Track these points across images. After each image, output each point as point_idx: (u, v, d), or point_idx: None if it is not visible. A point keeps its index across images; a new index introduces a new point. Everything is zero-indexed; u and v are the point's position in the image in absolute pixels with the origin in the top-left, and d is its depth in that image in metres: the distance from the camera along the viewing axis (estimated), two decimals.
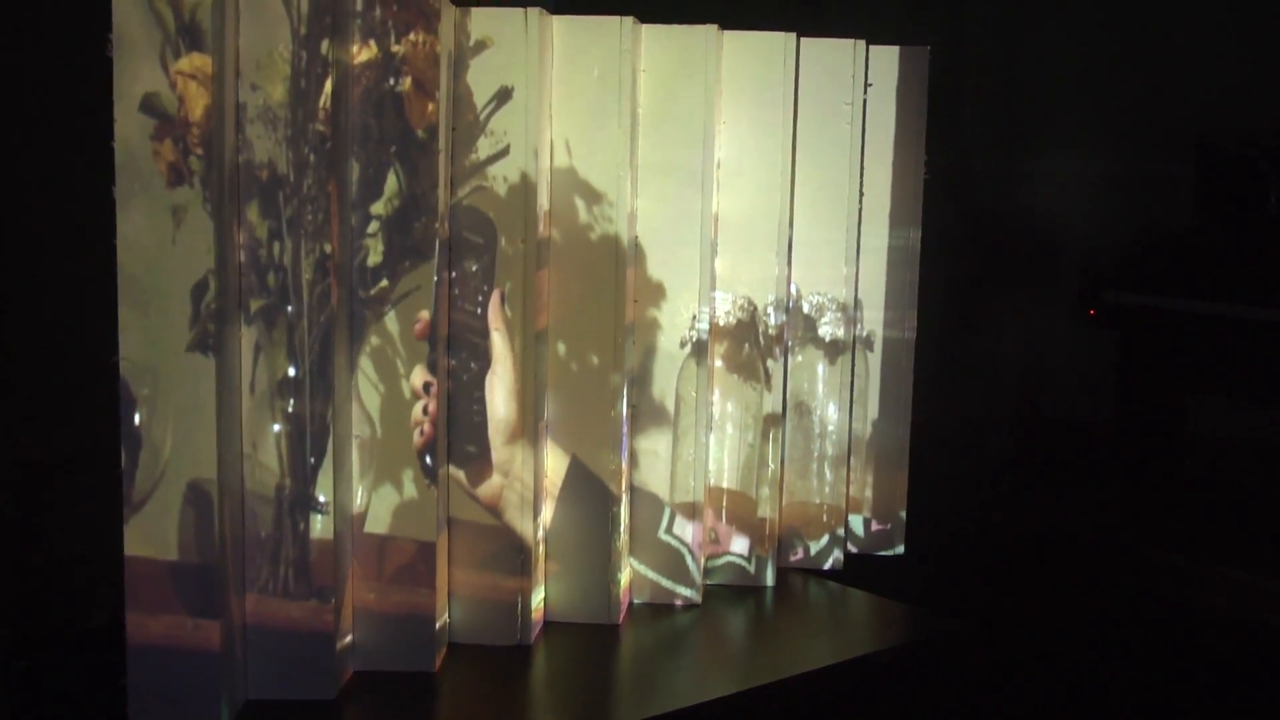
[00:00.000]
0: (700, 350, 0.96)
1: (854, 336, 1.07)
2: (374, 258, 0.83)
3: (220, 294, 0.75)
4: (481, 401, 0.88)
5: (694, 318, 0.96)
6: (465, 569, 0.89)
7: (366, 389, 0.84)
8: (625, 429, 0.94)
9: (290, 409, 0.79)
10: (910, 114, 1.06)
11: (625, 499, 0.96)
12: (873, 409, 1.08)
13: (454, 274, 0.87)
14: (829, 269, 1.04)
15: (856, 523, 1.09)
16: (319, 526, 0.80)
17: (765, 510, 1.02)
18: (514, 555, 0.89)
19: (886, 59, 1.05)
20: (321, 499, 0.80)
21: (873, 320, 1.07)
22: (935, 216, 1.09)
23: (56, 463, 0.92)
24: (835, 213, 1.03)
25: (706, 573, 1.02)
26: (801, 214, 1.03)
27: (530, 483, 0.89)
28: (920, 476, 1.10)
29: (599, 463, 0.93)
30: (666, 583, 0.98)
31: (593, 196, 0.91)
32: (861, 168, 1.05)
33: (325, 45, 0.77)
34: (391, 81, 0.82)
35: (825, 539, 1.06)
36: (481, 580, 0.90)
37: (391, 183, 0.82)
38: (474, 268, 0.87)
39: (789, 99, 0.99)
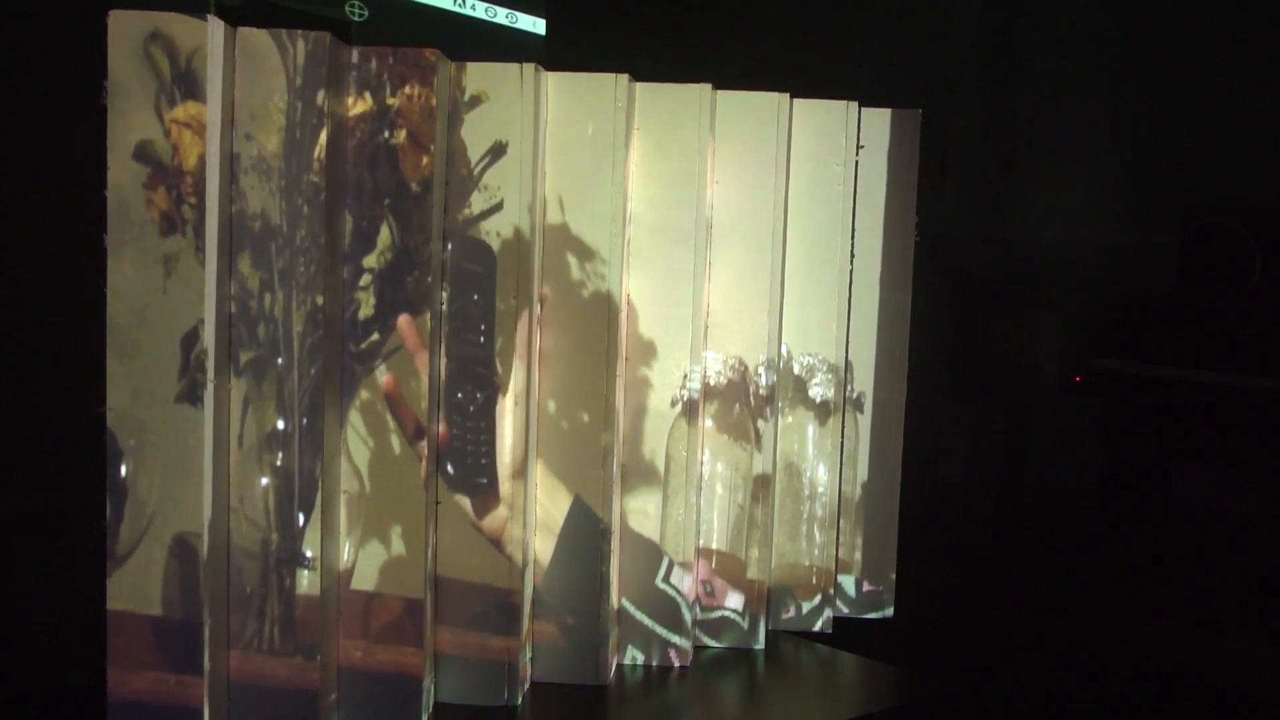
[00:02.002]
0: (691, 410, 0.96)
1: (844, 398, 1.06)
2: (365, 310, 0.82)
3: (211, 345, 0.74)
4: (490, 431, 0.87)
5: (685, 376, 0.96)
6: (452, 628, 0.88)
7: (355, 444, 0.83)
8: (616, 488, 0.93)
9: (279, 462, 0.78)
10: (901, 176, 1.06)
11: (614, 558, 0.95)
12: (862, 471, 1.08)
13: (455, 306, 0.86)
14: (820, 330, 1.04)
15: (848, 583, 1.08)
16: (305, 583, 0.79)
17: (755, 571, 1.01)
18: (500, 615, 0.88)
19: (879, 121, 1.06)
20: (309, 554, 0.78)
21: (863, 382, 1.07)
22: (923, 280, 1.09)
23: (35, 517, 0.90)
24: (826, 274, 1.03)
25: (702, 626, 1.01)
26: (793, 275, 1.03)
27: (531, 518, 0.88)
28: (909, 540, 1.09)
29: (593, 519, 0.92)
30: (661, 630, 0.97)
31: (585, 253, 0.91)
32: (853, 229, 1.05)
33: (320, 96, 0.77)
34: (386, 134, 0.81)
35: (817, 598, 1.05)
36: (468, 640, 0.88)
37: (384, 235, 0.82)
38: (475, 297, 0.86)
39: (782, 159, 0.99)
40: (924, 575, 1.12)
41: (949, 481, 1.23)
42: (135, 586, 0.74)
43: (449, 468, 0.87)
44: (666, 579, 0.97)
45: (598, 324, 0.91)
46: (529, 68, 0.86)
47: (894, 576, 1.09)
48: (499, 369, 0.86)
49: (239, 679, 0.79)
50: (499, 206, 0.86)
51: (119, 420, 0.74)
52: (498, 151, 0.86)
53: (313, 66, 0.77)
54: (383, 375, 0.82)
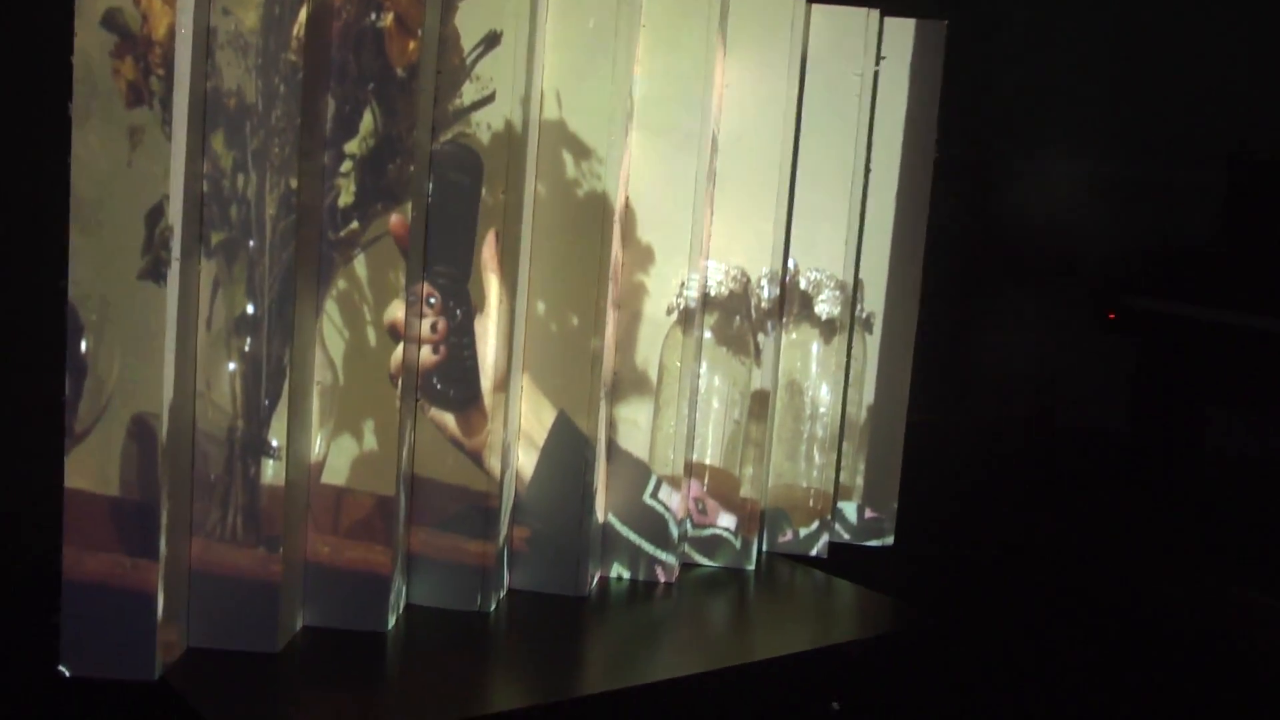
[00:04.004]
0: (687, 319, 0.93)
1: (853, 317, 1.03)
2: (345, 198, 0.80)
3: (178, 223, 0.72)
4: (471, 347, 0.85)
5: (682, 284, 0.93)
6: (427, 529, 0.86)
7: (331, 334, 0.81)
8: (603, 396, 0.91)
9: (247, 348, 0.76)
10: (923, 91, 1.02)
11: (602, 465, 0.92)
12: (868, 394, 1.05)
13: (438, 216, 0.83)
14: (828, 245, 1.00)
15: (850, 509, 1.05)
16: (270, 472, 0.77)
17: (749, 490, 0.98)
18: (477, 518, 0.86)
19: (901, 31, 1.02)
20: (274, 444, 0.77)
21: (874, 302, 1.04)
22: (946, 203, 1.05)
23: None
24: (838, 187, 1.00)
25: (693, 543, 0.99)
26: (804, 186, 1.00)
27: (513, 426, 0.86)
28: (915, 469, 1.06)
29: (587, 427, 0.90)
30: (648, 547, 0.95)
31: (581, 151, 0.88)
32: (869, 143, 1.01)
33: None
34: (373, 17, 0.78)
35: (815, 524, 1.03)
36: (444, 542, 0.86)
37: (367, 121, 0.79)
38: (457, 209, 0.83)
39: (795, 65, 0.95)
40: (927, 506, 1.09)
41: (962, 412, 1.20)
42: (93, 466, 0.73)
43: (435, 382, 0.85)
44: (655, 495, 0.94)
45: (591, 225, 0.88)
46: None
47: (895, 505, 1.06)
48: (479, 281, 0.83)
49: (200, 567, 0.77)
50: (490, 98, 0.83)
51: (81, 295, 0.72)
52: (491, 41, 0.83)
53: None
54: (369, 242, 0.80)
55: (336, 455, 0.81)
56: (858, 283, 1.03)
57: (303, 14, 0.74)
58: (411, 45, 0.79)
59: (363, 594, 0.82)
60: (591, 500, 0.90)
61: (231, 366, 0.76)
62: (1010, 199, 1.23)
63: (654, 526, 0.95)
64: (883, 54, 1.01)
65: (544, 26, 0.87)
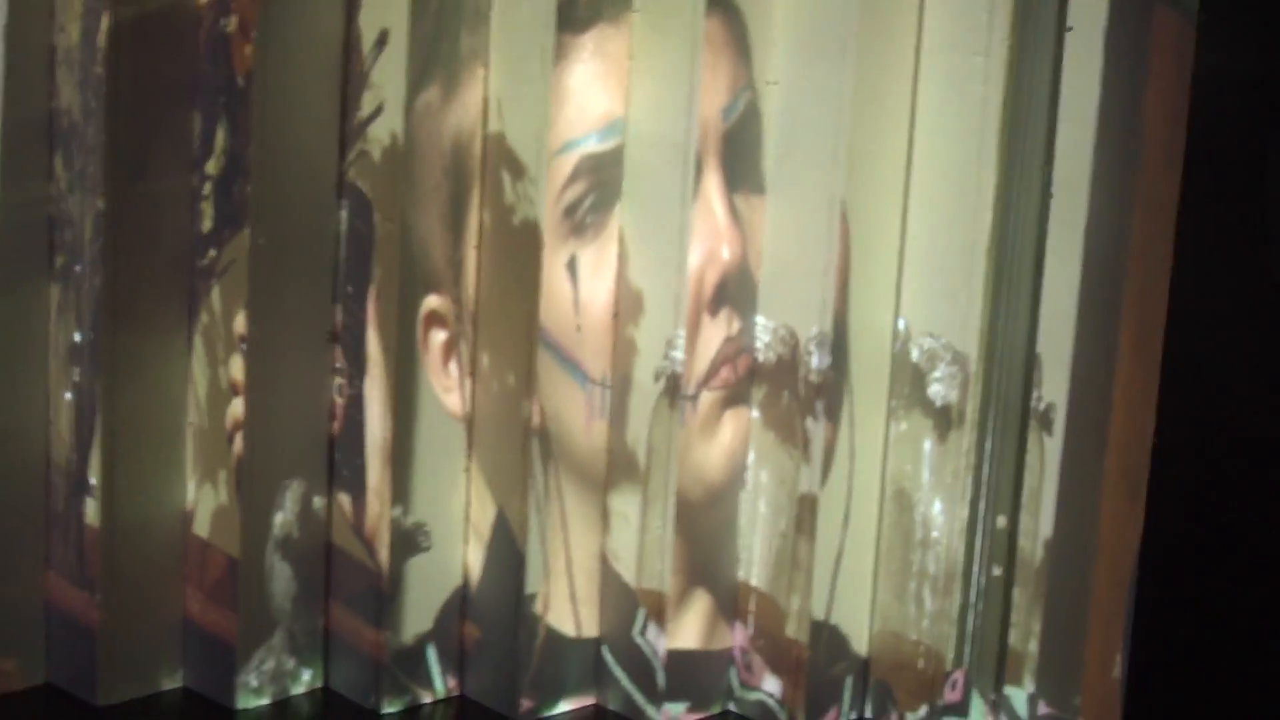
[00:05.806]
0: (674, 388, 0.71)
1: (1025, 408, 0.71)
2: (206, 223, 0.72)
3: (12, 247, 0.71)
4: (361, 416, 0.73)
5: (668, 342, 0.71)
6: (338, 604, 0.75)
7: (197, 373, 0.74)
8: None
9: (77, 378, 0.72)
10: (1125, 76, 0.67)
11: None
12: (1046, 523, 0.71)
13: (343, 267, 0.73)
14: (947, 302, 0.70)
15: (1019, 699, 0.72)
16: (90, 512, 0.72)
17: (793, 628, 0.72)
18: (373, 601, 0.73)
19: None
20: (91, 481, 0.72)
21: (1055, 387, 0.70)
22: (1189, 240, 0.69)
23: None
24: (959, 222, 0.69)
25: (741, 705, 0.75)
26: (919, 222, 0.71)
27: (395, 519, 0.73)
28: (1137, 639, 0.71)
29: (517, 520, 0.73)
30: (638, 696, 0.74)
31: (516, 170, 0.71)
32: (1050, 156, 0.69)
33: None
34: (223, 22, 0.70)
35: (923, 710, 0.73)
36: (351, 623, 0.75)
37: (220, 138, 0.71)
38: (355, 256, 0.72)
39: (851, 46, 0.68)
40: (1150, 703, 0.71)
41: (1207, 548, 0.73)
42: None
43: (336, 456, 0.74)
44: (643, 633, 0.73)
45: (522, 259, 0.71)
46: None
47: (1078, 700, 0.71)
48: (367, 338, 0.72)
49: (51, 602, 0.75)
50: (380, 110, 0.70)
51: None
52: (382, 41, 0.70)
53: None
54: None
55: (203, 505, 0.74)
56: (1035, 359, 0.70)
57: (104, 22, 0.69)
58: (248, 49, 0.69)
59: (218, 662, 0.74)
60: (531, 617, 0.72)
61: (68, 396, 0.73)
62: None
63: (642, 672, 0.73)
64: (1069, 25, 0.68)
65: (482, 19, 0.71)
